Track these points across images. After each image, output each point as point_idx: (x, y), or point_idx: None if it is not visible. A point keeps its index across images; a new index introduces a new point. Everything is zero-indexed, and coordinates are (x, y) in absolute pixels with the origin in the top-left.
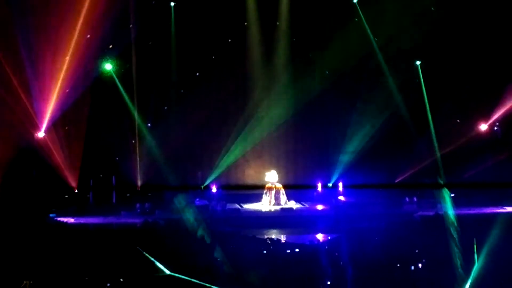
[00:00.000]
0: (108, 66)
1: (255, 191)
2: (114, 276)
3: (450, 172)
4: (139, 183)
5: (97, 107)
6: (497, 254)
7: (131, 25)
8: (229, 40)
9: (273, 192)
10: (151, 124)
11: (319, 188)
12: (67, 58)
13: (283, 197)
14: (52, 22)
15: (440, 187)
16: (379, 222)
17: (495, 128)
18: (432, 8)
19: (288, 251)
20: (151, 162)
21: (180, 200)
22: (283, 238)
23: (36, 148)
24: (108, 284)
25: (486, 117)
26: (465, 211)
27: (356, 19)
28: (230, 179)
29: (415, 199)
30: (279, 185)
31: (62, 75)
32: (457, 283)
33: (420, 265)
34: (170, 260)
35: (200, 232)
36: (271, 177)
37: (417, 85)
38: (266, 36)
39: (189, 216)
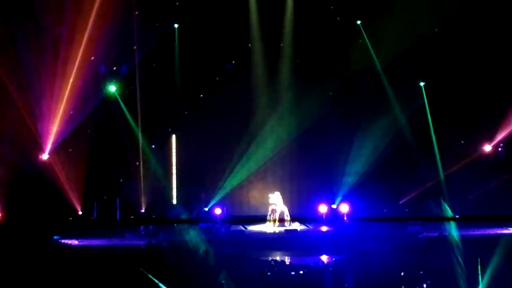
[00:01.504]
0: (112, 88)
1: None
2: None
3: (454, 193)
4: (143, 205)
5: (101, 129)
6: (501, 275)
7: (135, 47)
8: (233, 62)
9: (277, 213)
10: (155, 146)
11: (324, 210)
12: (71, 80)
13: (287, 219)
14: (57, 43)
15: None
16: (384, 243)
17: (499, 149)
18: (436, 29)
19: (293, 272)
20: (155, 184)
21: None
22: (287, 260)
23: (40, 170)
24: None
25: (490, 138)
26: (470, 232)
27: (360, 40)
28: (234, 201)
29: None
30: (283, 207)
31: (66, 97)
32: None
33: (424, 286)
34: (174, 282)
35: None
36: (275, 198)
37: (421, 106)
38: (269, 58)
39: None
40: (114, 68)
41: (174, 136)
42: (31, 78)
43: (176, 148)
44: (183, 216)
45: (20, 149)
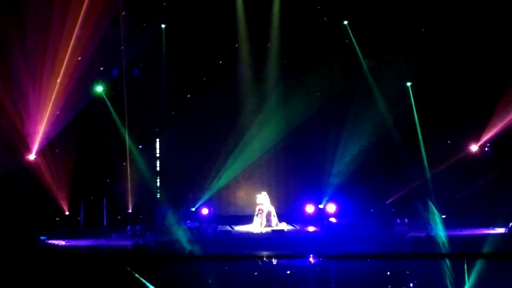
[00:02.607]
0: (99, 88)
1: (246, 212)
2: None
3: (441, 193)
4: (130, 205)
5: (88, 129)
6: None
7: (122, 47)
8: (220, 62)
9: (264, 213)
10: (142, 146)
11: (310, 210)
12: (58, 80)
13: (274, 219)
14: (43, 44)
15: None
16: (371, 243)
17: (486, 149)
18: (423, 30)
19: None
20: (142, 184)
21: (170, 219)
22: (274, 260)
23: (27, 170)
24: None
25: (476, 138)
26: (456, 232)
27: (347, 41)
28: (221, 201)
29: (406, 220)
30: (271, 207)
31: (53, 97)
32: None
33: (411, 286)
34: (161, 282)
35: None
36: (262, 198)
37: (407, 106)
38: (256, 58)
39: (180, 237)
40: (101, 69)
41: (158, 140)
42: (17, 79)
43: (160, 151)
44: (170, 216)
45: (7, 149)
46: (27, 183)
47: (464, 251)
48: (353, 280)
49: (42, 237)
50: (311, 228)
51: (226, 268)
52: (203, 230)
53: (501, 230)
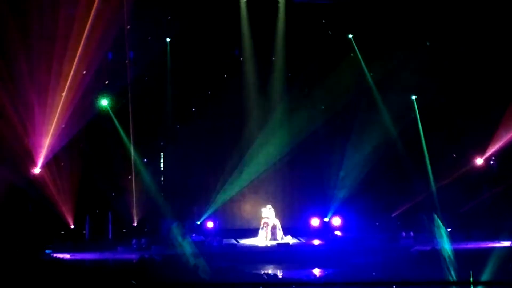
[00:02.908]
0: (104, 102)
1: (251, 226)
2: None
3: (446, 206)
4: (135, 218)
5: (93, 142)
6: None
7: (127, 61)
8: (225, 75)
9: (270, 227)
10: (147, 160)
11: (316, 223)
12: (63, 94)
13: (279, 232)
14: (49, 57)
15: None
16: (376, 256)
17: (491, 162)
18: (428, 43)
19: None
20: (147, 198)
21: (174, 232)
22: (279, 273)
23: (32, 183)
24: None
25: (482, 151)
26: (462, 245)
27: (352, 54)
28: (226, 215)
29: (411, 233)
30: (276, 220)
31: (58, 111)
32: None
33: None
34: None
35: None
36: (267, 212)
37: (412, 119)
38: (261, 71)
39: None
40: (106, 82)
41: (162, 153)
42: (23, 92)
43: (165, 164)
44: (174, 229)
45: (12, 163)
46: (32, 196)
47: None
48: None
49: (47, 251)
50: (316, 242)
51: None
52: (208, 243)
53: (506, 243)
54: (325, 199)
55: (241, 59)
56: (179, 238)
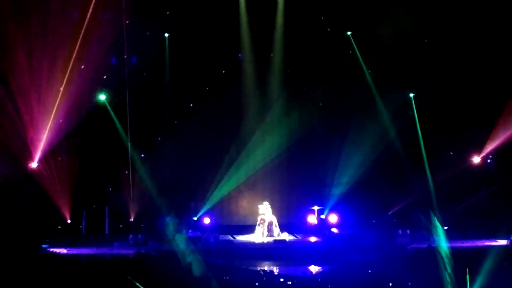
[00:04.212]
0: (102, 97)
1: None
2: None
3: (443, 204)
4: (132, 214)
5: (90, 137)
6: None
7: (125, 56)
8: (223, 72)
9: (266, 223)
10: (144, 155)
11: (312, 220)
12: (61, 88)
13: (276, 229)
14: (47, 52)
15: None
16: (372, 254)
17: (488, 160)
18: (426, 41)
19: (281, 279)
20: (144, 193)
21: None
22: (276, 270)
23: (29, 178)
24: None
25: (479, 150)
26: (458, 244)
27: (350, 52)
28: (223, 211)
29: (408, 231)
30: (272, 217)
31: (55, 105)
32: None
33: None
34: None
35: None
36: (264, 208)
37: (410, 117)
38: (260, 68)
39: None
40: (104, 77)
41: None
42: (21, 86)
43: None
44: (170, 224)
45: (9, 157)
46: (29, 190)
47: None
48: None
49: (44, 245)
50: (312, 239)
51: (227, 278)
52: (205, 239)
53: (503, 242)
54: (322, 196)
55: (239, 55)
56: (174, 233)
